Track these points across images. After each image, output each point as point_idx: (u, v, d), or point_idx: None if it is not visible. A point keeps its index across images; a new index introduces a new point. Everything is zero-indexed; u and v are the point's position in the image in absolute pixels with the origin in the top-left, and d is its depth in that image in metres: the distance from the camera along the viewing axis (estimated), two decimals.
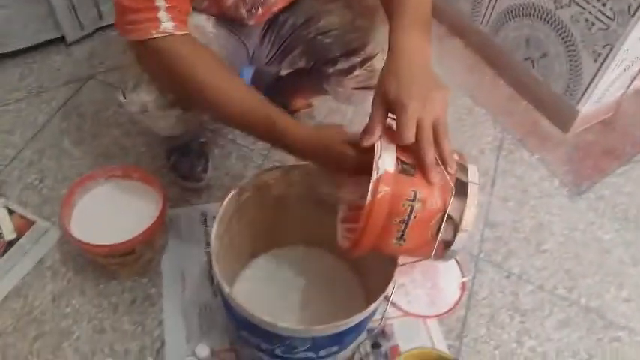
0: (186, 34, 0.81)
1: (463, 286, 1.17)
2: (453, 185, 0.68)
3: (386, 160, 0.67)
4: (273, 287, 1.08)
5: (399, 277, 1.15)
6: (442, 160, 0.68)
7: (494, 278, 1.20)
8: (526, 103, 1.58)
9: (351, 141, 0.74)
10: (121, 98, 0.94)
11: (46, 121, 1.38)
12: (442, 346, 1.07)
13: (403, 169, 0.68)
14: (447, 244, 0.71)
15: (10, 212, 1.19)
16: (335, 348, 0.87)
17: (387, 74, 0.70)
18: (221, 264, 0.89)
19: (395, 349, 1.07)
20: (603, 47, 1.32)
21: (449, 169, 0.69)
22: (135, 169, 1.12)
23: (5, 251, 1.13)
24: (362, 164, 0.72)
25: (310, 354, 0.85)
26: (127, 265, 1.07)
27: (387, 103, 0.69)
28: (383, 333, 1.09)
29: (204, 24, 0.96)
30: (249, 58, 1.12)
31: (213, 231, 0.85)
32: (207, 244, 1.18)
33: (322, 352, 0.86)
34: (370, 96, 1.10)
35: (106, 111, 1.41)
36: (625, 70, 1.40)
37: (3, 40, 1.45)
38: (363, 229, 0.67)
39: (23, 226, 1.17)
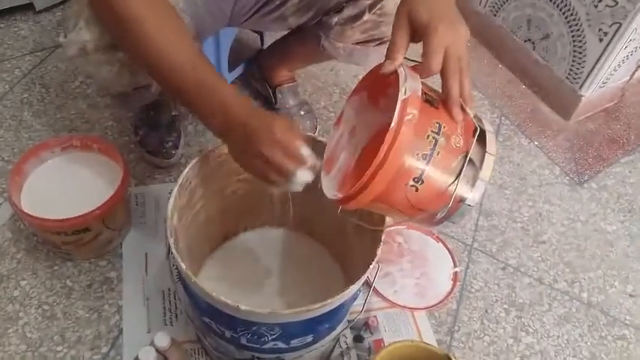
0: None
1: (455, 277, 1.07)
2: (476, 125, 0.59)
3: (412, 84, 0.57)
4: (245, 272, 0.98)
5: (386, 266, 1.07)
6: (463, 98, 0.60)
7: (489, 269, 1.10)
8: (525, 88, 1.48)
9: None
10: (61, 39, 0.82)
11: (7, 91, 1.27)
12: (431, 341, 0.97)
13: (427, 99, 0.59)
14: (460, 200, 0.60)
15: None
16: (309, 338, 0.76)
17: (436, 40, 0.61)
18: (182, 241, 0.79)
19: (379, 343, 0.97)
20: (610, 25, 1.23)
21: (468, 110, 0.60)
22: (95, 139, 1.01)
23: None
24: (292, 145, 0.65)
25: (280, 344, 0.75)
26: (82, 245, 0.96)
27: (413, 25, 0.62)
28: (366, 325, 0.99)
29: None
30: (227, 17, 1.01)
31: (171, 200, 0.75)
32: None
33: (294, 342, 0.75)
34: (373, 54, 1.02)
35: (72, 82, 1.30)
36: (632, 53, 1.31)
37: None
38: (381, 162, 0.55)
39: None
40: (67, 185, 0.98)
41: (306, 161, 0.67)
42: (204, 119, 0.71)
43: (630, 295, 1.09)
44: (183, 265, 0.68)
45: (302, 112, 1.27)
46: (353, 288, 0.70)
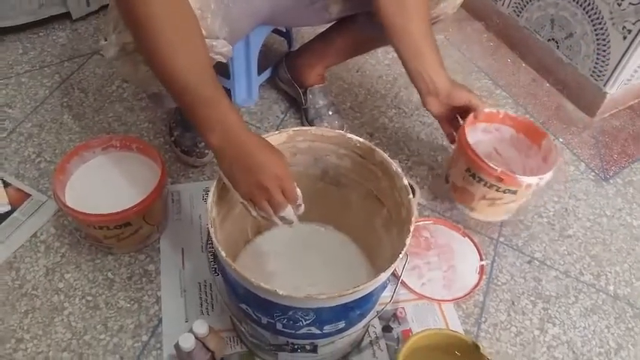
0: None
1: (481, 271, 1.09)
2: None
3: None
4: (276, 266, 1.02)
5: (413, 259, 1.09)
6: None
7: (515, 263, 1.12)
8: (549, 86, 1.50)
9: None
10: (102, 42, 0.86)
11: (48, 95, 1.33)
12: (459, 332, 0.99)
13: None
14: None
15: (6, 185, 1.14)
16: (341, 324, 0.79)
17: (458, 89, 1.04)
18: (220, 234, 0.82)
19: (407, 333, 0.99)
20: (634, 23, 1.25)
21: None
22: (133, 139, 1.06)
23: None
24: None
25: (314, 329, 0.78)
26: (123, 239, 1.01)
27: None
28: (394, 316, 1.02)
29: None
30: (264, 14, 1.02)
31: (210, 194, 0.79)
32: None
33: (327, 328, 0.79)
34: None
35: (109, 86, 1.36)
36: None
37: (7, 14, 1.41)
38: None
39: (18, 199, 1.12)
40: (107, 183, 1.03)
41: (297, 199, 0.79)
42: (201, 131, 0.76)
43: None
44: (223, 253, 0.72)
45: (330, 112, 1.30)
46: (383, 276, 0.73)
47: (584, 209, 1.22)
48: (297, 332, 0.79)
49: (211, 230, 0.75)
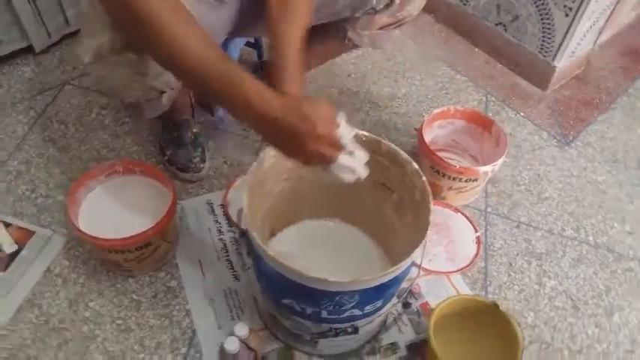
0: None
1: (478, 240, 1.19)
2: None
3: None
4: (297, 262, 1.07)
5: None
6: None
7: (506, 229, 1.22)
8: (502, 67, 1.63)
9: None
10: (78, 49, 0.88)
11: (27, 131, 1.32)
12: None
13: None
14: None
15: (7, 225, 1.13)
16: (379, 303, 0.86)
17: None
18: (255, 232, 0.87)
19: (425, 306, 1.07)
20: (574, 1, 1.38)
21: None
22: (136, 162, 1.09)
23: (8, 264, 1.07)
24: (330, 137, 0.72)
25: (356, 311, 0.84)
26: (143, 259, 1.03)
27: None
28: (410, 293, 1.09)
29: None
30: (231, 25, 1.04)
31: (244, 199, 0.83)
32: (219, 231, 1.16)
33: (367, 308, 0.85)
34: (392, 37, 1.12)
35: (88, 115, 1.36)
36: (594, 23, 1.47)
37: None
38: None
39: (23, 237, 1.11)
40: (116, 208, 1.05)
41: (346, 148, 0.75)
42: (234, 113, 0.75)
43: (629, 233, 1.24)
44: (271, 253, 0.77)
45: None
46: (418, 252, 0.80)
47: (554, 173, 1.35)
48: (341, 316, 0.85)
49: (254, 234, 0.79)
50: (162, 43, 0.73)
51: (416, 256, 0.81)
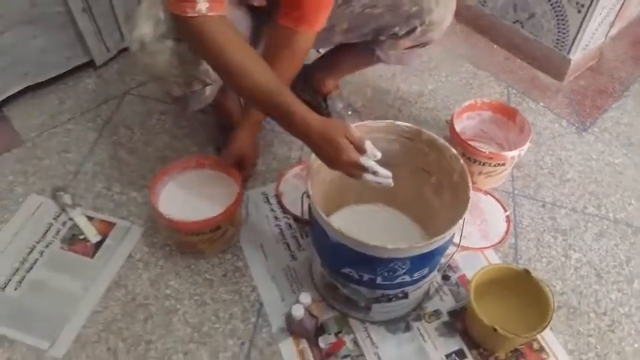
0: (219, 15, 0.92)
1: (508, 219, 1.31)
2: None
3: None
4: None
5: None
6: None
7: (532, 209, 1.35)
8: (521, 62, 1.76)
9: (352, 138, 0.88)
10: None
11: (97, 137, 1.48)
12: None
13: None
14: None
15: (90, 219, 1.29)
16: (426, 270, 1.00)
17: None
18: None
19: (462, 278, 1.21)
20: None
21: None
22: (206, 157, 1.24)
23: (95, 253, 1.23)
24: (353, 161, 0.87)
25: (406, 277, 0.98)
26: (214, 241, 1.18)
27: None
28: (449, 267, 1.23)
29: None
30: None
31: (309, 185, 0.97)
32: (275, 218, 1.31)
33: (416, 275, 0.99)
34: (419, 56, 1.26)
35: (150, 120, 1.52)
36: (605, 17, 1.59)
37: (39, 69, 1.54)
38: None
39: (105, 229, 1.27)
40: (190, 198, 1.19)
41: (369, 170, 0.89)
42: (287, 130, 0.94)
43: None
44: (335, 226, 0.91)
45: (349, 112, 1.51)
46: (460, 222, 0.94)
47: (574, 157, 1.48)
48: (393, 282, 0.99)
49: (322, 215, 0.93)
50: (231, 76, 0.93)
51: (458, 227, 0.94)
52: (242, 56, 0.93)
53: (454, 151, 1.03)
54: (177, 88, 1.10)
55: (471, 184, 0.98)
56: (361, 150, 0.88)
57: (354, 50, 1.32)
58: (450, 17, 1.20)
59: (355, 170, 0.89)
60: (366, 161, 0.88)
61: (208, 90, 1.14)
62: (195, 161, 1.23)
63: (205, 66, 1.05)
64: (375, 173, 0.89)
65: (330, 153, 0.89)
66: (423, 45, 1.25)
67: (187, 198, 1.20)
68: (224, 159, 1.23)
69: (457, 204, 1.00)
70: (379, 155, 0.89)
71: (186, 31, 0.94)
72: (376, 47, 1.25)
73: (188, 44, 1.00)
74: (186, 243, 1.19)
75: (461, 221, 0.94)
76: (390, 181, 0.91)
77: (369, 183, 0.91)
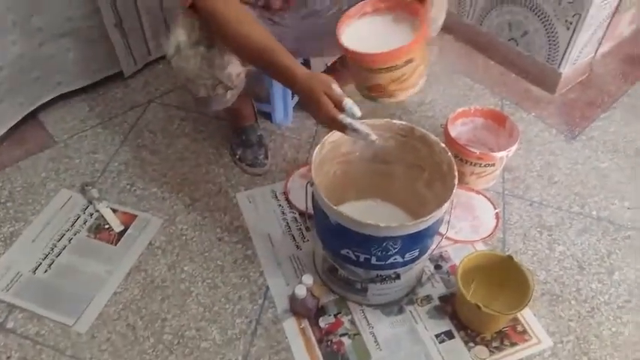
0: None
1: (497, 216, 1.42)
2: None
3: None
4: None
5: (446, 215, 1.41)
6: None
7: (520, 207, 1.46)
8: (515, 76, 1.88)
9: (331, 94, 0.95)
10: (165, 46, 1.17)
11: (123, 139, 1.62)
12: None
13: None
14: None
15: (114, 211, 1.42)
16: (416, 252, 1.11)
17: None
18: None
19: (453, 267, 1.31)
20: (573, 16, 1.63)
21: None
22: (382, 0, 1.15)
23: (118, 240, 1.36)
24: (331, 117, 0.94)
25: (398, 258, 1.09)
26: (404, 81, 1.12)
27: None
28: (441, 257, 1.33)
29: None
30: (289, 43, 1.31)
31: (312, 173, 1.09)
32: (282, 212, 1.43)
33: (407, 256, 1.10)
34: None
35: (171, 125, 1.66)
36: (593, 33, 1.71)
37: (71, 79, 1.70)
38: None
39: (128, 220, 1.40)
40: (372, 39, 1.12)
41: (343, 102, 0.95)
42: (281, 83, 1.05)
43: (628, 208, 1.46)
44: (333, 207, 1.03)
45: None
46: (447, 205, 1.05)
47: (562, 161, 1.58)
48: (386, 262, 1.09)
49: (325, 199, 1.05)
50: (237, 45, 1.07)
51: (445, 209, 1.05)
52: (245, 26, 1.05)
53: (443, 145, 1.15)
54: (203, 90, 1.22)
55: (457, 173, 1.09)
56: (340, 107, 0.94)
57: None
58: (443, 15, 1.33)
59: (335, 126, 0.95)
60: (344, 119, 0.94)
61: (229, 94, 1.27)
62: (370, 6, 1.16)
63: (229, 70, 1.18)
64: (355, 130, 0.94)
65: (311, 106, 0.97)
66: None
67: (371, 39, 1.14)
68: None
69: (445, 192, 1.11)
70: (359, 113, 0.94)
71: (203, 17, 1.08)
72: None
73: (210, 29, 1.12)
74: (373, 87, 1.15)
75: (447, 204, 1.05)
76: (373, 136, 0.95)
77: (353, 138, 0.98)
